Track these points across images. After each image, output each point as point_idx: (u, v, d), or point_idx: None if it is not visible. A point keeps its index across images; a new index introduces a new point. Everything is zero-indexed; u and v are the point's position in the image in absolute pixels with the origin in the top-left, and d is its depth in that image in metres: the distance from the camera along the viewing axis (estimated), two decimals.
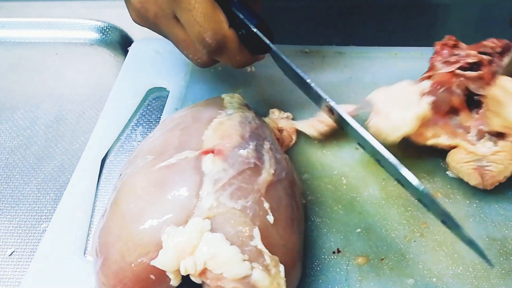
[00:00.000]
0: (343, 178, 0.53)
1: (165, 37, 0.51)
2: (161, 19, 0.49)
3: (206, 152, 0.43)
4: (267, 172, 0.44)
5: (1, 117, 0.64)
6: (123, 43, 0.72)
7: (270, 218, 0.41)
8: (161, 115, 0.60)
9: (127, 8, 0.50)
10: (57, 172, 0.57)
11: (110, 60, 0.72)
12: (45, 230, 0.49)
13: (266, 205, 0.41)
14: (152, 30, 0.51)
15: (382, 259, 0.46)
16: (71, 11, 0.77)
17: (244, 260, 0.38)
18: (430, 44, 0.55)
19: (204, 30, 0.46)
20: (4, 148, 0.60)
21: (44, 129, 0.62)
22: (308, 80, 0.48)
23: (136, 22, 0.52)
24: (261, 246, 0.39)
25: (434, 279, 0.45)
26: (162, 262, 0.38)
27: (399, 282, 0.45)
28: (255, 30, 0.49)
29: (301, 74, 0.48)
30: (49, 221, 0.50)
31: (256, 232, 0.39)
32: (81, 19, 0.76)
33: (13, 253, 0.50)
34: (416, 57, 0.60)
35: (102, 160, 0.55)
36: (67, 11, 0.77)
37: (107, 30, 0.75)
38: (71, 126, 0.63)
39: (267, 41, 0.49)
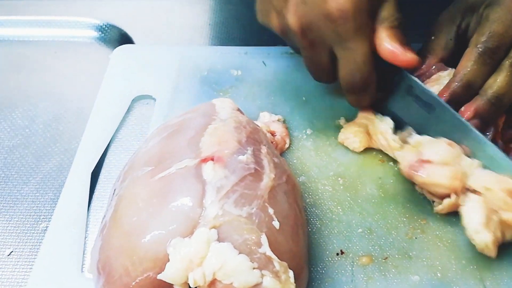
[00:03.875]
0: (339, 178, 0.53)
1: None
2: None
3: (206, 160, 0.42)
4: (268, 177, 0.43)
5: None
6: (122, 42, 0.71)
7: (276, 223, 0.40)
8: (149, 123, 0.59)
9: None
10: (56, 172, 0.56)
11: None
12: (44, 230, 0.48)
13: (271, 210, 0.41)
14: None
15: (386, 258, 0.46)
16: (70, 9, 0.75)
17: (253, 268, 0.37)
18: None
19: (359, 69, 0.48)
20: (3, 147, 0.59)
21: (43, 128, 0.61)
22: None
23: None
24: (269, 252, 0.38)
25: (439, 274, 0.45)
26: (169, 275, 0.37)
27: (404, 280, 0.45)
28: None
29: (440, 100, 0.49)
30: (48, 220, 0.49)
31: (264, 239, 0.38)
32: (80, 17, 0.75)
33: (12, 253, 0.49)
34: None
35: (92, 173, 0.54)
36: (66, 9, 0.76)
37: (106, 28, 0.74)
38: (70, 125, 0.61)
39: None
